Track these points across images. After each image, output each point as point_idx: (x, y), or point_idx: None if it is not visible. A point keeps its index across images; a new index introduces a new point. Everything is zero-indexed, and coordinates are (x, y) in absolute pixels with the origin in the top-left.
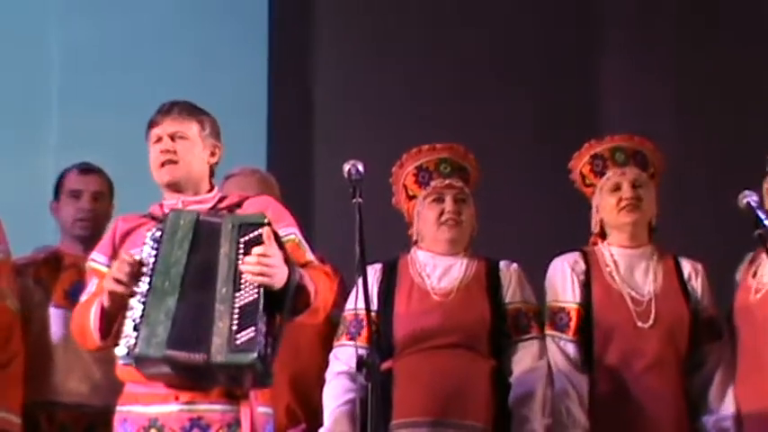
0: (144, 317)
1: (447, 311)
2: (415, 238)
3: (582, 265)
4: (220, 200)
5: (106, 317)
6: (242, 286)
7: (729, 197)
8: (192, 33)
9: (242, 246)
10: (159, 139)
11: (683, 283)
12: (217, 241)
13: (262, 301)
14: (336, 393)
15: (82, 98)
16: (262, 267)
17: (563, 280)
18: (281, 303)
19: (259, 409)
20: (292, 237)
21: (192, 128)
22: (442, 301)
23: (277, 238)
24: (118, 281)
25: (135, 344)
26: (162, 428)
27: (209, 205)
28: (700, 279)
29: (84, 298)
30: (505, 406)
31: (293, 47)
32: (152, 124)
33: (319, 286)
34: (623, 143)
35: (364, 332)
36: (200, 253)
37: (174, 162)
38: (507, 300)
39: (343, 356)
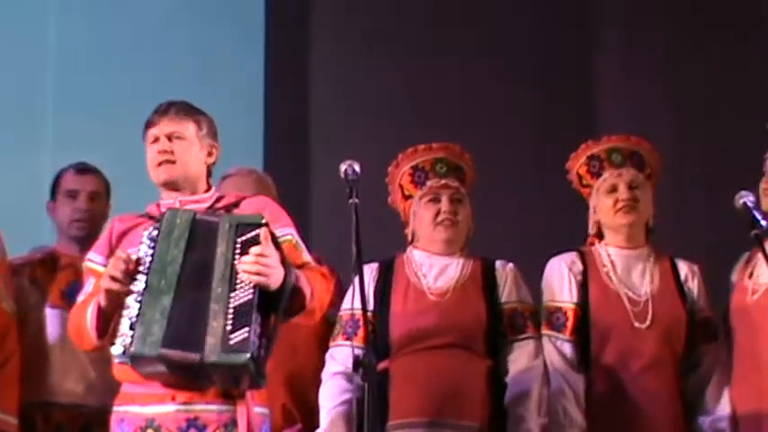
0: (140, 315)
1: (443, 311)
2: (410, 237)
3: (579, 266)
4: (218, 200)
5: (103, 316)
6: (237, 286)
7: (726, 197)
8: (189, 33)
9: (239, 245)
10: (156, 140)
11: (679, 285)
12: (213, 240)
13: (256, 301)
14: (333, 394)
15: (78, 98)
16: (259, 267)
17: (560, 280)
18: (276, 304)
19: (255, 409)
20: (289, 237)
21: (188, 128)
22: (438, 300)
23: (274, 238)
24: (114, 278)
25: (131, 342)
26: (159, 429)
27: (207, 205)
28: (696, 280)
29: (81, 298)
30: (502, 406)
31: (290, 47)
32: (149, 124)
33: (315, 288)
34: (620, 144)
35: (360, 332)
36: (197, 252)
37: (172, 162)
38: (503, 299)
39: (340, 356)
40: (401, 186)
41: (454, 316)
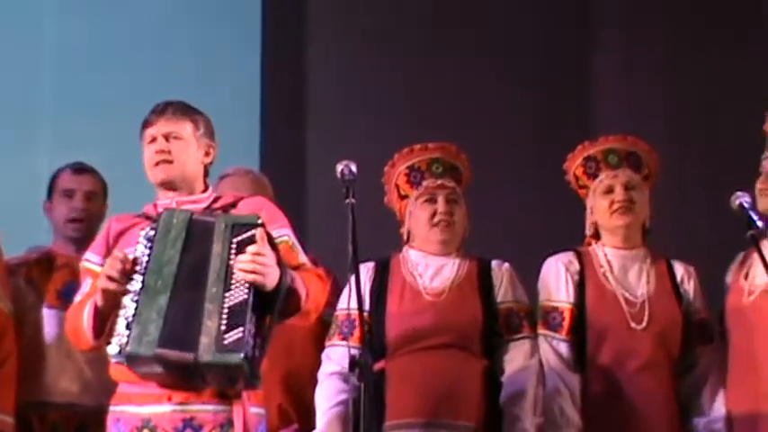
0: (136, 315)
1: (439, 311)
2: (406, 237)
3: (576, 266)
4: (215, 200)
5: (99, 316)
6: (232, 286)
7: (725, 198)
8: (186, 34)
9: (234, 246)
10: (153, 140)
11: (675, 286)
12: (209, 240)
13: (251, 301)
14: (329, 395)
15: (76, 98)
16: (255, 265)
17: (557, 280)
18: (271, 305)
19: (252, 409)
20: (285, 238)
21: (186, 128)
22: (434, 300)
23: (270, 239)
24: (110, 278)
25: (126, 342)
26: (155, 429)
27: (204, 205)
28: (692, 282)
29: (78, 298)
30: (498, 406)
31: (287, 46)
32: (146, 124)
33: (311, 289)
34: (616, 144)
35: (357, 332)
36: (193, 252)
37: (169, 162)
38: (499, 299)
39: (336, 356)
40: (397, 186)
41: (450, 316)
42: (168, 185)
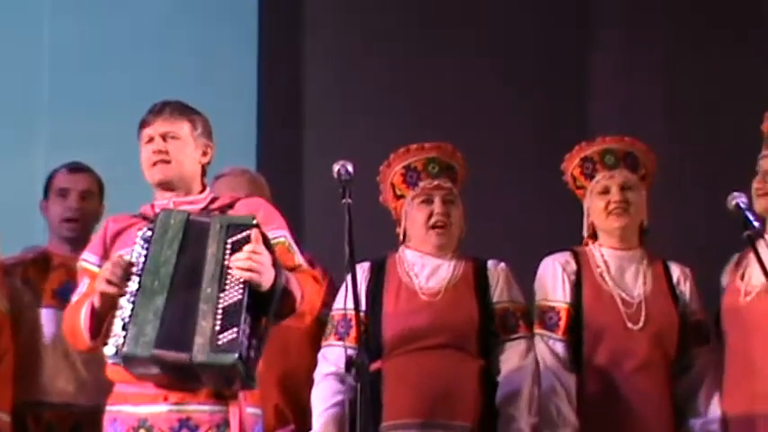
0: (133, 316)
1: (435, 311)
2: (402, 237)
3: (573, 266)
4: (212, 200)
5: (96, 317)
6: (227, 286)
7: (721, 198)
8: (183, 34)
9: (229, 246)
10: (151, 140)
11: (671, 287)
12: (205, 241)
13: (246, 302)
14: (325, 396)
15: (73, 98)
16: (251, 263)
17: (553, 279)
18: (266, 306)
19: (248, 409)
20: (282, 240)
21: (183, 128)
22: (431, 301)
23: (265, 240)
24: (109, 282)
25: (123, 343)
26: (151, 429)
27: (201, 206)
28: (688, 283)
29: (74, 298)
30: (494, 406)
31: (283, 46)
32: (143, 124)
33: (306, 291)
34: (613, 145)
35: (353, 332)
36: (190, 253)
37: (166, 162)
38: (495, 299)
39: (332, 357)
40: (393, 185)
41: (446, 316)
42: (166, 186)
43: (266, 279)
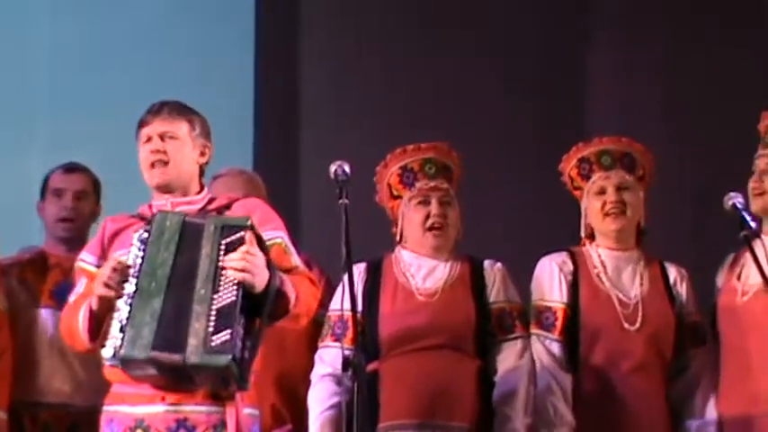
0: (130, 318)
1: (432, 312)
2: (399, 237)
3: (570, 266)
4: (209, 201)
5: (95, 318)
6: (221, 288)
7: (719, 197)
8: (179, 34)
9: (223, 247)
10: (149, 139)
11: (668, 288)
12: (200, 242)
13: (240, 303)
14: (321, 398)
15: (70, 98)
16: (245, 263)
17: (550, 279)
18: (260, 308)
19: (245, 410)
20: (279, 240)
21: (181, 128)
22: (427, 301)
23: (260, 242)
24: (107, 285)
25: (121, 345)
26: (148, 429)
27: (199, 206)
28: (685, 284)
29: (72, 298)
30: (491, 406)
31: (280, 47)
32: (142, 124)
33: (301, 293)
34: (610, 146)
35: (349, 333)
36: (186, 254)
37: (164, 162)
38: (492, 299)
39: (328, 358)
40: (389, 186)
41: (443, 317)
42: (164, 189)
43: (260, 280)
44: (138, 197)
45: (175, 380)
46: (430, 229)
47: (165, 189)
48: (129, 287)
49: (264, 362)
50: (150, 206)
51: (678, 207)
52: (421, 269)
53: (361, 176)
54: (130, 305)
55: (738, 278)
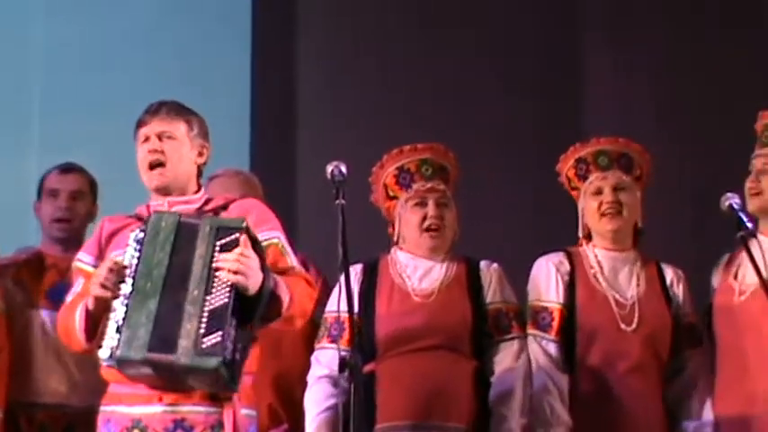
0: (126, 319)
1: (428, 313)
2: (395, 239)
3: (566, 266)
4: (206, 201)
5: (91, 319)
6: (214, 289)
7: (718, 197)
8: (176, 34)
9: (217, 248)
10: (147, 139)
11: (665, 289)
12: (194, 243)
13: (232, 305)
14: (318, 399)
15: (65, 99)
16: (239, 265)
17: (547, 280)
18: (253, 310)
19: (242, 410)
20: (275, 241)
21: (179, 128)
22: (423, 302)
23: (255, 243)
24: (103, 286)
25: (117, 346)
26: (145, 429)
27: (196, 206)
28: (681, 285)
29: (69, 298)
30: (488, 406)
31: (277, 47)
32: (140, 124)
33: (296, 294)
34: (607, 146)
35: (346, 334)
36: (181, 255)
37: (162, 163)
38: (488, 300)
39: (325, 359)
40: (386, 186)
41: (440, 317)
42: (163, 191)
43: (253, 282)
44: (136, 197)
45: (171, 380)
46: (427, 230)
47: (164, 191)
48: (126, 288)
49: (261, 362)
50: (148, 207)
51: (677, 207)
52: (417, 270)
53: (357, 177)
54: (127, 306)
55: (735, 278)
